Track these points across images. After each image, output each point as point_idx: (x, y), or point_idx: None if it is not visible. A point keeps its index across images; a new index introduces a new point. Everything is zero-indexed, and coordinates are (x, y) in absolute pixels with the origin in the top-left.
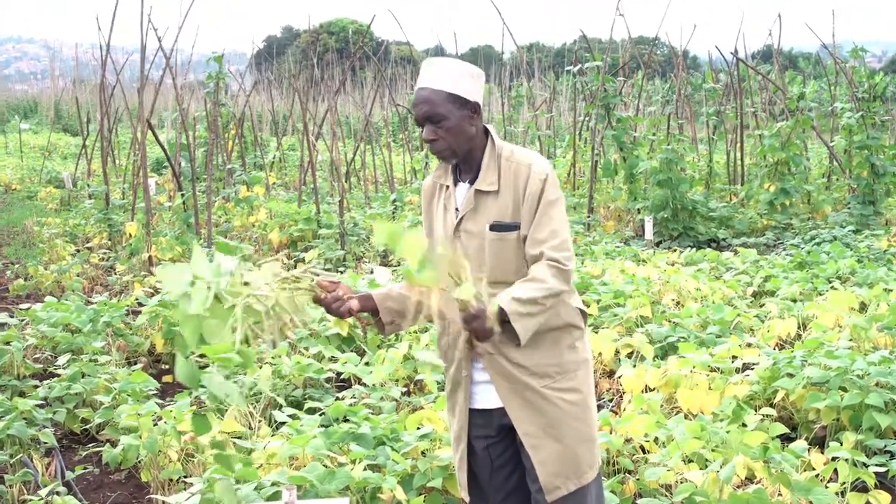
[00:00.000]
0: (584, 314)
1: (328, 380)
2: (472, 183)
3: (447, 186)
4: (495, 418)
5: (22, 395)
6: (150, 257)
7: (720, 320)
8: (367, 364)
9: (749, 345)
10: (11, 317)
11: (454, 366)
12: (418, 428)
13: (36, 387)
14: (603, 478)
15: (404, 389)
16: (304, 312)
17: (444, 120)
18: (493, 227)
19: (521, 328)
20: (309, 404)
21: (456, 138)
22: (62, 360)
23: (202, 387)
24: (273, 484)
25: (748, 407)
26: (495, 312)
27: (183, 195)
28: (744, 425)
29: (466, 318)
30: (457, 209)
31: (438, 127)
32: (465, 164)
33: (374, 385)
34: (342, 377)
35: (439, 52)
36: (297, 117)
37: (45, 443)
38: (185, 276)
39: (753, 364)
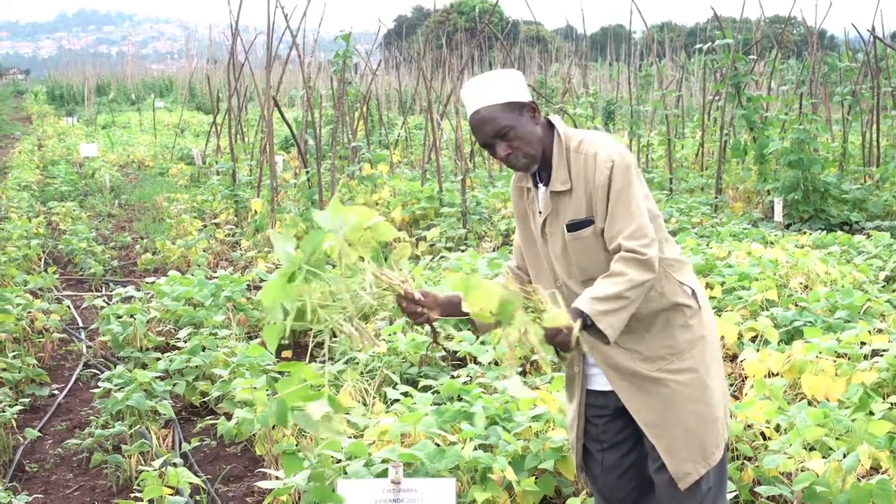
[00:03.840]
0: (693, 291)
1: (444, 358)
2: (547, 184)
3: (528, 189)
4: (612, 400)
5: (144, 367)
6: None
7: (849, 305)
8: (482, 343)
9: (879, 330)
10: (137, 290)
11: (565, 362)
12: (531, 408)
13: (158, 359)
14: None
15: (520, 369)
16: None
17: (511, 129)
18: (570, 227)
19: (605, 326)
20: (423, 382)
21: (529, 144)
22: (183, 333)
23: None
24: (383, 461)
25: (876, 394)
26: (576, 319)
27: (308, 172)
28: (870, 413)
29: (549, 334)
30: (539, 212)
31: (509, 140)
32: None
33: (489, 364)
34: (458, 355)
35: (569, 31)
36: (423, 97)
37: (164, 414)
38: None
39: (883, 350)
